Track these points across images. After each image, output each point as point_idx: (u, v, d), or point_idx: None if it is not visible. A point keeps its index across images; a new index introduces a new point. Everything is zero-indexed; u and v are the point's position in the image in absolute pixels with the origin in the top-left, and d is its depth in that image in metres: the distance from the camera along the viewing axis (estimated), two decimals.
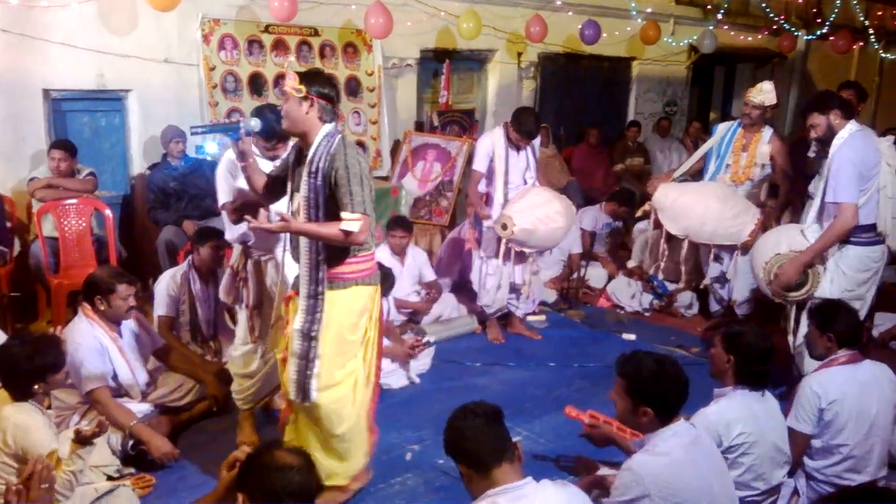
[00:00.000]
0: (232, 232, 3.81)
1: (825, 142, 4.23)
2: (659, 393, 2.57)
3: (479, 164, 5.32)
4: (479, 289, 5.51)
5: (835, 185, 4.11)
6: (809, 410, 3.25)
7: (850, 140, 4.15)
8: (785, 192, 5.54)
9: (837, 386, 3.24)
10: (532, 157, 5.40)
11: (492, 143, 5.27)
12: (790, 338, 4.45)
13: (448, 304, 5.91)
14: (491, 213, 5.27)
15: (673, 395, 2.59)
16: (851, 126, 4.19)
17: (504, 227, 5.07)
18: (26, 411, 2.99)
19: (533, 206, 5.15)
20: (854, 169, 4.08)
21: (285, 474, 2.09)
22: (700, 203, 5.33)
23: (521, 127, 5.16)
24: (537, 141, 5.45)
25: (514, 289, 5.52)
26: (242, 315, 3.91)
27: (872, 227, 4.21)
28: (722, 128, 5.66)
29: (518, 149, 5.28)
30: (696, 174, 5.87)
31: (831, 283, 4.26)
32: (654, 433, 2.58)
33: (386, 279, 4.81)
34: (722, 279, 5.58)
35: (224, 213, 3.75)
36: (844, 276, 4.24)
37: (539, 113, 7.09)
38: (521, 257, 5.39)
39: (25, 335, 3.42)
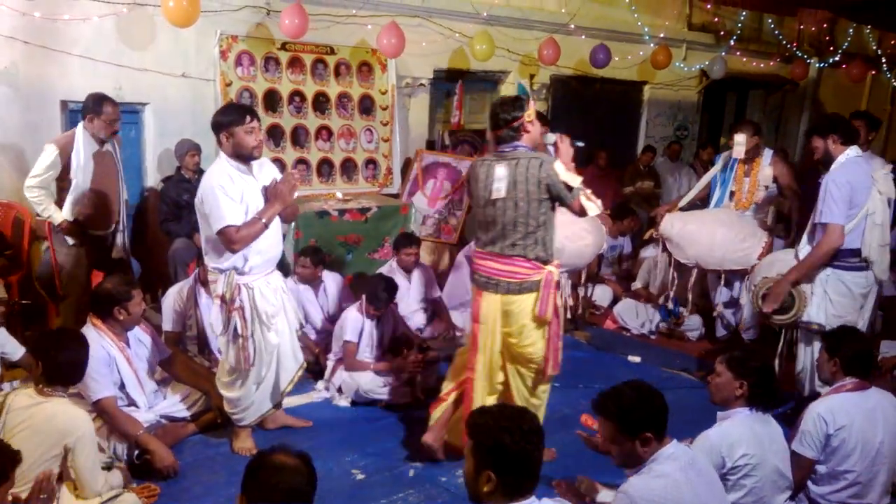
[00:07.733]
0: (224, 258, 3.72)
1: (826, 165, 4.30)
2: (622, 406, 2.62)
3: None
4: None
5: (822, 206, 4.17)
6: (816, 436, 3.26)
7: (845, 164, 4.21)
8: (797, 208, 5.51)
9: (845, 412, 3.26)
10: None
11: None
12: (777, 360, 4.53)
13: (460, 323, 5.90)
14: None
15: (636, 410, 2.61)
16: (850, 152, 4.24)
17: None
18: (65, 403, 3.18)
19: (559, 224, 5.12)
20: (841, 191, 4.12)
21: (282, 474, 2.13)
22: (706, 230, 5.33)
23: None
24: None
25: None
26: (229, 345, 3.84)
27: (858, 253, 4.23)
28: (724, 156, 5.69)
29: None
30: (703, 201, 5.89)
31: (818, 307, 4.29)
32: (652, 455, 2.58)
33: (389, 288, 4.85)
34: (731, 304, 5.58)
35: (222, 237, 3.61)
36: (831, 303, 4.27)
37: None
38: None
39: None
